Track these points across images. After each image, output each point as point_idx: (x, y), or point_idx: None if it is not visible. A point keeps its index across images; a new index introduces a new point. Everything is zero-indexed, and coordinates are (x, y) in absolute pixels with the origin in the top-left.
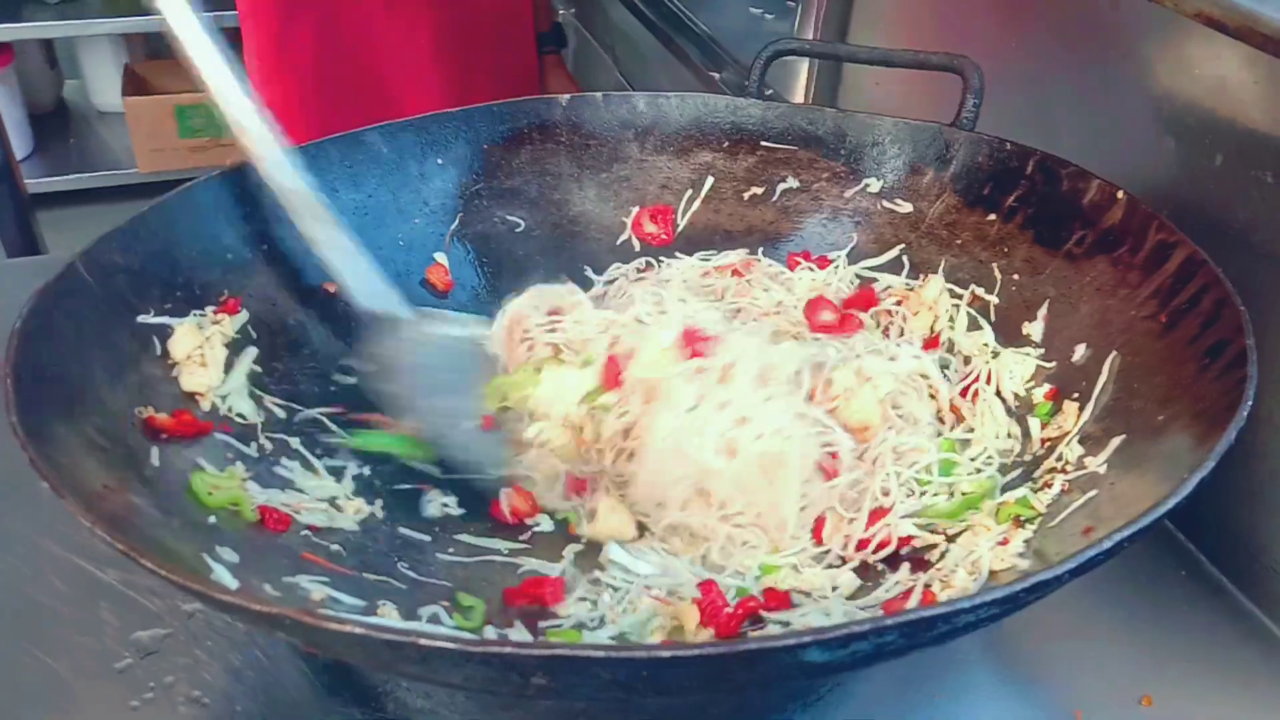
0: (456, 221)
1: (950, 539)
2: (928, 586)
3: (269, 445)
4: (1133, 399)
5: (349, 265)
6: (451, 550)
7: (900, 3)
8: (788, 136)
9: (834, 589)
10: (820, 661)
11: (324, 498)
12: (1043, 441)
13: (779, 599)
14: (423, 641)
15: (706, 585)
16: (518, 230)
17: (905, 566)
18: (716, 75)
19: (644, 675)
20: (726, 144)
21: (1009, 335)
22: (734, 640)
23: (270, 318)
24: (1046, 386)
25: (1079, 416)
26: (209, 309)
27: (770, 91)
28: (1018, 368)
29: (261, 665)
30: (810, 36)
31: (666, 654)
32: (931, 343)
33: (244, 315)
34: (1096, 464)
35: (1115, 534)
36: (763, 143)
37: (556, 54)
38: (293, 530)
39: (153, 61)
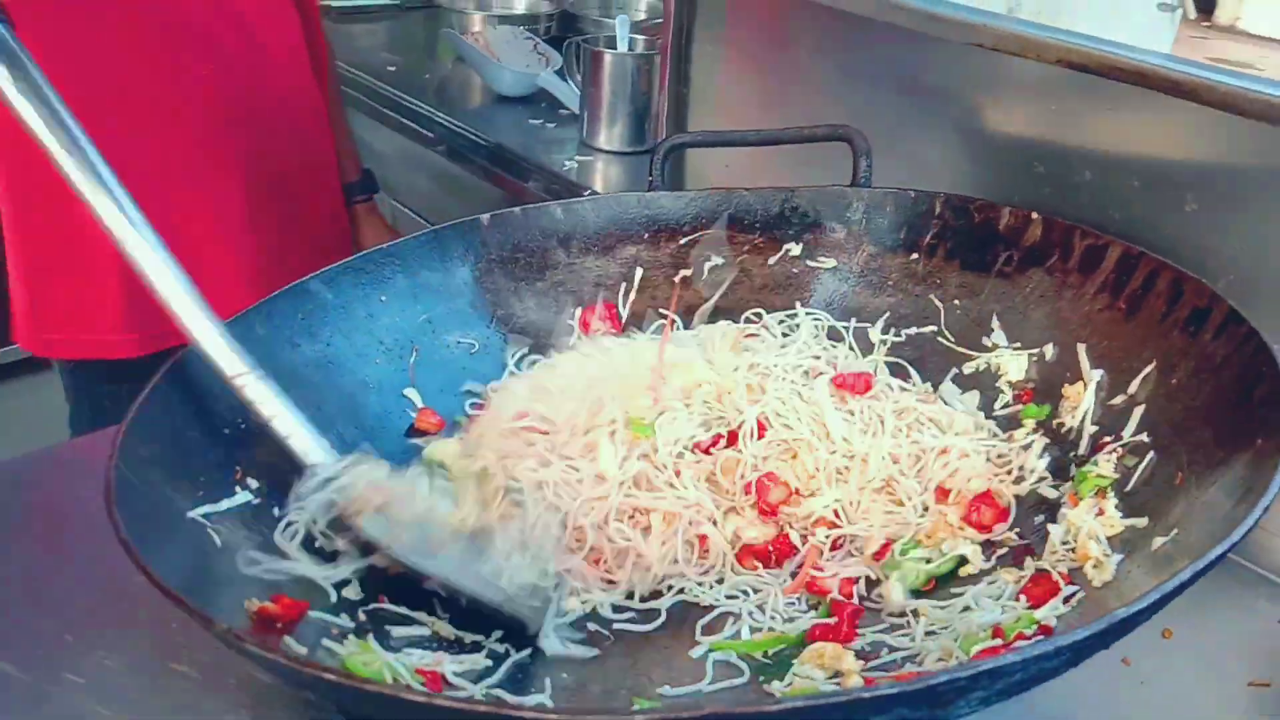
0: (414, 354)
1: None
2: (1052, 569)
3: (363, 616)
4: (1127, 375)
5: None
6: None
7: (728, 96)
8: (702, 220)
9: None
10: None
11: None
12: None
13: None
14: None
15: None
16: (473, 351)
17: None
18: (527, 184)
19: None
20: (647, 235)
21: (975, 350)
22: (1050, 638)
23: (284, 485)
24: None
25: (1082, 397)
26: (238, 489)
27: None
28: (1013, 363)
29: None
30: (604, 141)
31: (1017, 657)
32: None
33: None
34: (1130, 433)
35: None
36: (681, 229)
37: (369, 201)
38: (446, 687)
39: None
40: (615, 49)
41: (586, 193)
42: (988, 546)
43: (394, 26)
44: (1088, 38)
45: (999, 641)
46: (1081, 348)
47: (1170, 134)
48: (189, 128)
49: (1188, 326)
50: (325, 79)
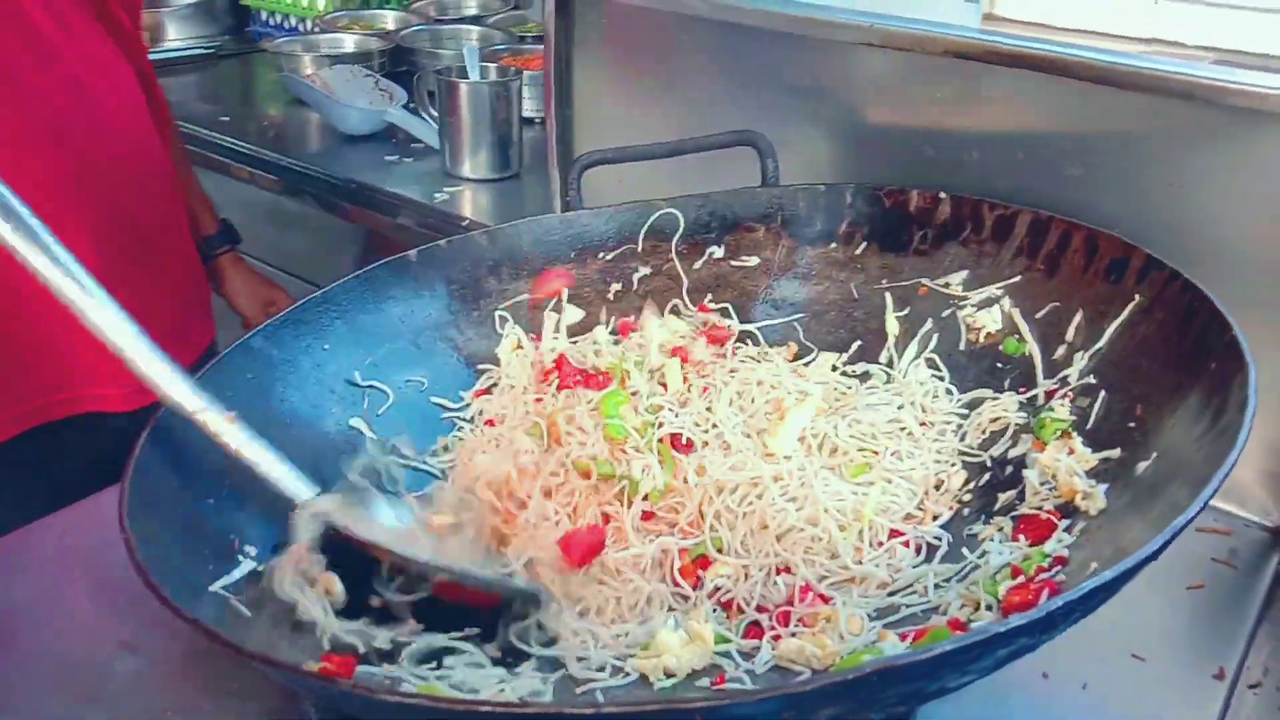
0: (366, 401)
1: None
2: (1039, 510)
3: (403, 661)
4: (1060, 328)
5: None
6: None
7: (613, 114)
8: (624, 233)
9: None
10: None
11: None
12: None
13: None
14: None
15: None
16: (423, 389)
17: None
18: (397, 219)
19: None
20: (573, 254)
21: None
22: (1131, 555)
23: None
24: None
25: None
26: (240, 559)
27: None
28: (987, 318)
29: None
30: (469, 170)
31: (1114, 572)
32: None
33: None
34: (1077, 376)
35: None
36: (605, 244)
37: (232, 252)
38: None
39: None
40: (467, 78)
41: (464, 223)
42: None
43: (210, 76)
44: (966, 29)
45: (1021, 579)
46: (1007, 304)
47: (1047, 108)
48: (28, 195)
49: (1109, 276)
50: (169, 136)
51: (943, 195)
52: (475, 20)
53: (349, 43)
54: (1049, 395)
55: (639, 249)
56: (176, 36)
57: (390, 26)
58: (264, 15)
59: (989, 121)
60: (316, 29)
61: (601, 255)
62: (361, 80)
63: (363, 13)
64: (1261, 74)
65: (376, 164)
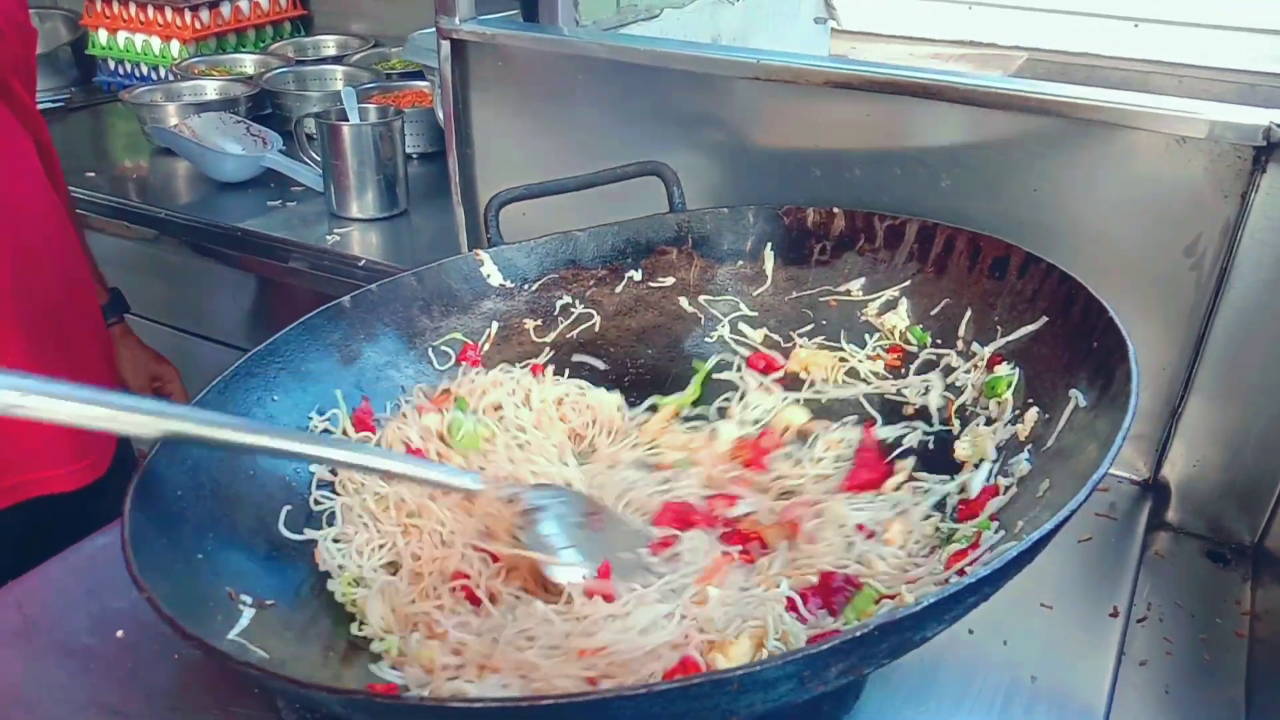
0: None
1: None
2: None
3: None
4: (956, 320)
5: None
6: None
7: (508, 151)
8: (546, 264)
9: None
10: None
11: None
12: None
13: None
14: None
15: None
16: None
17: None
18: (289, 264)
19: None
20: (498, 287)
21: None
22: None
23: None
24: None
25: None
26: (241, 608)
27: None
28: (894, 318)
29: None
30: (357, 210)
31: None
32: None
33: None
34: (989, 351)
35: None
36: (529, 277)
37: (122, 322)
38: None
39: None
40: (347, 120)
41: (360, 263)
42: None
43: (62, 131)
44: (845, 61)
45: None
46: (902, 303)
47: (920, 127)
48: None
49: (993, 273)
50: (67, 206)
51: (836, 210)
52: (337, 60)
53: (211, 89)
54: (992, 362)
55: (560, 277)
56: None
57: (250, 71)
58: (112, 64)
59: (867, 142)
60: (173, 76)
61: (526, 286)
62: (232, 126)
63: (219, 58)
64: (1103, 90)
65: (259, 209)
